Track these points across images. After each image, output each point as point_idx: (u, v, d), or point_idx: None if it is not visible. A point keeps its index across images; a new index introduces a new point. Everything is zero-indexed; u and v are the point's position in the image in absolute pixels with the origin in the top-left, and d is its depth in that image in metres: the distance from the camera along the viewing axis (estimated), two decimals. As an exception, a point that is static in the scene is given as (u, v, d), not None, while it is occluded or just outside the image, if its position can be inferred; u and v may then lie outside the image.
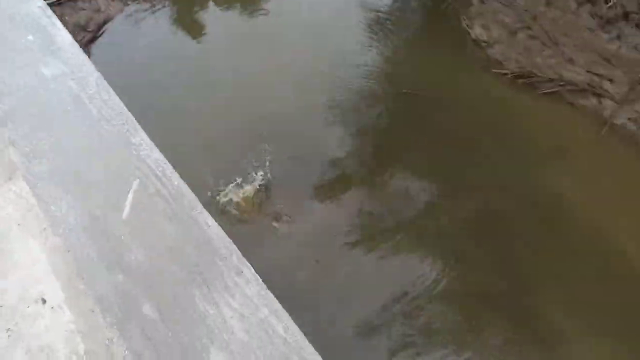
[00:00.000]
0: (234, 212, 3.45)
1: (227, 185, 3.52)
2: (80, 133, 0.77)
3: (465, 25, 4.82)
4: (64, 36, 0.81)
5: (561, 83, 4.21)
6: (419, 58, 4.73)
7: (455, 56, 4.66)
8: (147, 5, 4.88)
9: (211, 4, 5.04)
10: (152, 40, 4.61)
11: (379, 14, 5.02)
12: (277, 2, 5.08)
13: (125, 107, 0.83)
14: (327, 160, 3.83)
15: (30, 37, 0.78)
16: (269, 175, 3.64)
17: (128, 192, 0.84)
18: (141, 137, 0.89)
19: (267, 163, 3.70)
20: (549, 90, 4.23)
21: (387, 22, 4.97)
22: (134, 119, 0.88)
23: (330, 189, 3.69)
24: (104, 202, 0.82)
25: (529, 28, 4.60)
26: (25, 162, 0.73)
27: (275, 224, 3.44)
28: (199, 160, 3.68)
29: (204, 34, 4.80)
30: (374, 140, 4.09)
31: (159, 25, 4.78)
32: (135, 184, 0.84)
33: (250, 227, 3.43)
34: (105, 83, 0.78)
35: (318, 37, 4.72)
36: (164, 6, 4.97)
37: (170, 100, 4.08)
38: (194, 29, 4.83)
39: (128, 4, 4.82)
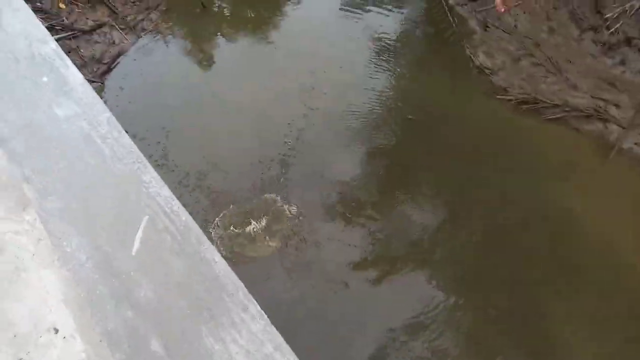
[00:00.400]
0: (240, 234, 3.47)
1: (233, 205, 3.55)
2: (92, 171, 0.79)
3: (469, 53, 4.89)
4: (76, 77, 0.84)
5: (566, 109, 4.23)
6: (424, 84, 4.79)
7: (460, 82, 4.72)
8: (158, 37, 5.02)
9: (219, 35, 5.17)
10: (163, 69, 4.74)
11: (384, 40, 5.12)
12: (284, 31, 5.20)
13: (135, 146, 0.85)
14: (334, 183, 3.86)
15: (44, 79, 0.81)
16: (277, 198, 3.68)
17: (138, 228, 0.85)
18: (151, 175, 0.91)
19: (274, 186, 3.74)
20: (554, 116, 4.24)
21: (392, 48, 5.06)
22: (144, 157, 0.90)
23: (337, 211, 3.71)
24: (114, 238, 0.84)
25: (532, 55, 4.66)
26: (39, 198, 0.75)
27: (280, 247, 3.45)
28: (209, 181, 3.74)
29: (212, 62, 4.91)
30: (382, 163, 4.13)
31: (170, 55, 4.91)
32: (144, 221, 0.86)
33: (258, 253, 3.44)
34: (116, 122, 0.80)
35: (324, 62, 4.81)
36: (174, 38, 5.11)
37: (179, 120, 4.16)
38: (203, 58, 4.94)
39: (141, 37, 4.96)
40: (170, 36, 5.11)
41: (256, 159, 3.95)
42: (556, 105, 4.28)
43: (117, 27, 4.95)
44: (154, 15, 5.21)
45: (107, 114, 0.80)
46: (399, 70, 4.90)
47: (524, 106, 4.34)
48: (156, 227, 0.90)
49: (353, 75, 4.76)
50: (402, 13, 5.48)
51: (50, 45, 0.87)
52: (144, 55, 4.88)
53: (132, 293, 0.97)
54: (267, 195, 3.71)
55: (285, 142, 4.08)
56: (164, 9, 5.28)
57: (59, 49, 0.87)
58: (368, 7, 5.48)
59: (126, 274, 0.94)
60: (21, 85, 0.79)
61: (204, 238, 1.02)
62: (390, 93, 4.67)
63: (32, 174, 0.69)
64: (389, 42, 5.13)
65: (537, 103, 4.32)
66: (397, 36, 5.20)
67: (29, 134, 0.73)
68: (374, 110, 4.46)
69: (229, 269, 1.04)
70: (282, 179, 3.84)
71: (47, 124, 0.76)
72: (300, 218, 3.61)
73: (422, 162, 4.10)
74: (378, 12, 5.44)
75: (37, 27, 0.88)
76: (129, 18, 5.07)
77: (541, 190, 3.82)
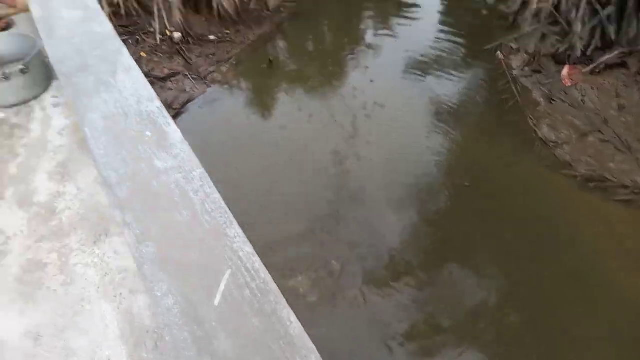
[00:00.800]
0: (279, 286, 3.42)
1: (274, 254, 3.53)
2: (184, 222, 0.82)
3: (532, 124, 4.80)
4: (176, 134, 0.88)
5: (636, 191, 3.99)
6: (483, 151, 4.71)
7: (521, 153, 4.61)
8: (225, 87, 5.31)
9: (281, 90, 5.39)
10: (226, 117, 4.98)
11: (445, 105, 5.14)
12: (343, 89, 5.35)
13: (223, 202, 0.87)
14: (382, 242, 3.77)
15: (148, 133, 0.85)
16: (320, 251, 3.63)
17: (221, 281, 0.86)
18: (236, 231, 0.93)
19: (318, 238, 3.70)
20: (623, 198, 4.01)
21: (452, 112, 5.06)
22: (230, 213, 0.92)
23: (383, 277, 3.59)
24: (200, 287, 0.85)
25: (599, 131, 4.50)
26: (136, 242, 0.77)
27: (317, 303, 3.36)
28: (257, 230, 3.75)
29: (271, 113, 5.11)
30: (433, 228, 4.01)
31: (234, 104, 5.17)
32: (227, 274, 0.86)
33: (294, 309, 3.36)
34: (208, 178, 0.83)
35: (380, 119, 4.88)
36: (240, 89, 5.38)
37: (233, 164, 4.31)
38: (263, 109, 5.15)
39: (210, 86, 5.27)
40: (236, 87, 5.39)
41: (304, 209, 3.95)
42: (625, 187, 4.06)
43: (189, 76, 5.30)
44: (224, 68, 5.54)
45: (200, 169, 0.82)
46: (457, 135, 4.87)
47: (590, 184, 4.14)
48: (237, 281, 0.91)
49: (409, 135, 4.78)
50: (465, 78, 5.53)
51: (155, 104, 0.91)
52: (210, 103, 5.15)
53: (212, 343, 0.97)
54: (308, 250, 3.66)
55: (335, 195, 4.08)
56: (234, 62, 5.62)
57: (163, 108, 0.91)
58: (430, 71, 5.58)
59: (208, 324, 0.94)
60: (129, 138, 0.83)
61: (282, 298, 1.01)
62: (447, 157, 4.62)
63: (132, 220, 0.72)
64: (448, 105, 5.15)
65: (605, 182, 4.12)
66: (458, 101, 5.22)
67: (132, 183, 0.77)
68: (429, 173, 4.41)
69: (303, 331, 1.02)
70: (327, 232, 3.80)
71: (148, 174, 0.79)
72: (343, 277, 3.51)
73: (476, 232, 3.95)
74: (440, 76, 5.52)
75: (145, 86, 0.94)
76: (201, 69, 5.41)
77: (610, 279, 3.54)
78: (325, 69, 5.69)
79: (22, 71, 2.01)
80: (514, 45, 5.62)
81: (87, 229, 1.74)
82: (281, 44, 6.08)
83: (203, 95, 5.20)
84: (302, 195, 4.11)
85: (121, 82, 0.91)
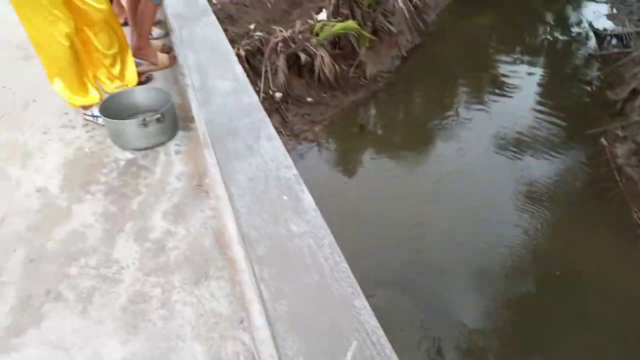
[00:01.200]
0: None
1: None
2: (315, 286, 0.86)
3: (636, 218, 4.41)
4: (309, 201, 0.95)
5: None
6: (579, 241, 4.37)
7: (623, 248, 4.21)
8: (315, 146, 5.55)
9: (368, 154, 5.52)
10: (312, 173, 5.15)
11: (538, 186, 4.91)
12: (429, 159, 5.34)
13: (351, 272, 0.91)
14: (460, 327, 3.55)
15: (285, 197, 0.93)
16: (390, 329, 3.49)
17: (347, 350, 0.88)
18: (363, 303, 0.96)
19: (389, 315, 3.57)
20: None
21: (545, 197, 4.81)
22: (357, 285, 0.95)
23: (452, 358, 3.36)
24: (328, 353, 0.87)
25: None
26: (271, 299, 0.83)
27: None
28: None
29: (355, 175, 5.21)
30: (513, 317, 3.71)
31: (321, 162, 5.36)
32: (354, 345, 0.88)
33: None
34: (337, 247, 0.88)
35: (468, 194, 4.74)
36: (328, 149, 5.60)
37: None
38: (349, 170, 5.28)
39: (301, 144, 5.54)
40: (325, 147, 5.62)
41: (375, 273, 3.86)
42: None
43: (283, 133, 5.62)
44: (316, 128, 5.82)
45: (331, 238, 0.88)
46: (550, 219, 4.59)
47: None
48: (363, 353, 0.92)
49: (496, 210, 4.59)
50: (562, 162, 5.27)
51: (292, 171, 0.99)
52: (299, 159, 5.39)
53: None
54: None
55: (411, 264, 3.96)
56: (327, 124, 5.89)
57: (299, 176, 1.00)
58: (524, 149, 5.41)
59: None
60: (268, 200, 0.91)
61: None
62: (537, 240, 4.34)
63: (269, 277, 0.77)
64: (542, 187, 4.90)
65: None
66: (553, 184, 4.96)
67: (270, 242, 0.84)
68: (515, 254, 4.16)
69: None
70: (394, 302, 3.66)
71: (284, 236, 0.85)
72: (404, 352, 3.33)
73: (564, 328, 3.59)
74: (535, 156, 5.31)
75: (284, 155, 1.03)
76: (295, 127, 5.74)
77: None
78: (415, 137, 5.76)
79: (158, 120, 2.30)
80: (620, 133, 5.31)
81: (191, 270, 1.87)
82: (374, 110, 6.30)
83: (294, 150, 5.47)
84: (374, 260, 4.05)
85: (264, 148, 1.01)
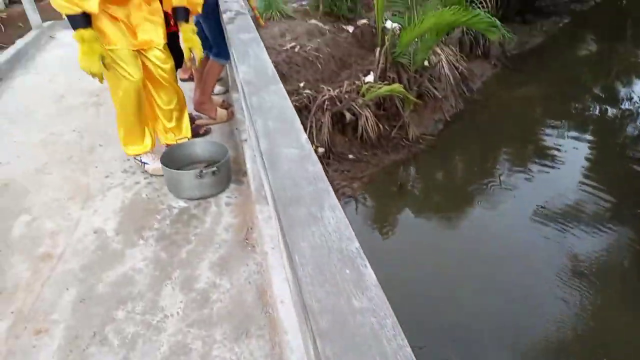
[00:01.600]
0: None
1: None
2: None
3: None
4: (371, 276, 0.96)
5: None
6: (627, 328, 4.08)
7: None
8: (351, 201, 5.58)
9: (405, 213, 5.49)
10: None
11: (584, 264, 4.68)
12: (464, 226, 5.23)
13: (415, 358, 0.89)
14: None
15: (347, 271, 0.95)
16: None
17: None
18: None
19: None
20: None
21: (592, 276, 4.57)
22: None
23: None
24: None
25: None
26: None
27: None
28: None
29: (391, 234, 5.17)
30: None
31: (356, 218, 5.35)
32: None
33: None
34: (400, 330, 0.87)
35: (509, 266, 4.56)
36: (366, 206, 5.61)
37: None
38: (383, 228, 5.24)
39: (339, 199, 5.58)
40: (362, 203, 5.63)
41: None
42: None
43: (324, 187, 5.70)
44: (355, 184, 5.88)
45: (393, 319, 0.87)
46: (597, 300, 4.33)
47: None
48: None
49: (539, 286, 4.36)
50: (610, 239, 5.03)
51: (354, 244, 1.02)
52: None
53: None
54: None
55: (444, 337, 3.79)
56: (366, 181, 5.94)
57: (361, 250, 1.02)
58: (570, 222, 5.21)
59: None
60: (330, 272, 0.93)
61: None
62: (582, 322, 4.08)
63: (331, 354, 0.77)
64: (589, 265, 4.67)
65: None
66: (601, 263, 4.71)
67: (332, 316, 0.84)
68: (558, 334, 3.91)
69: None
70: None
71: (346, 311, 0.86)
72: None
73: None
74: (581, 230, 5.09)
75: (347, 226, 1.06)
76: (335, 182, 5.81)
77: None
78: (453, 201, 5.69)
79: (214, 173, 2.40)
80: (673, 214, 5.07)
81: (232, 325, 1.88)
82: (414, 171, 6.32)
83: (332, 206, 5.52)
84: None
85: (327, 218, 1.04)
